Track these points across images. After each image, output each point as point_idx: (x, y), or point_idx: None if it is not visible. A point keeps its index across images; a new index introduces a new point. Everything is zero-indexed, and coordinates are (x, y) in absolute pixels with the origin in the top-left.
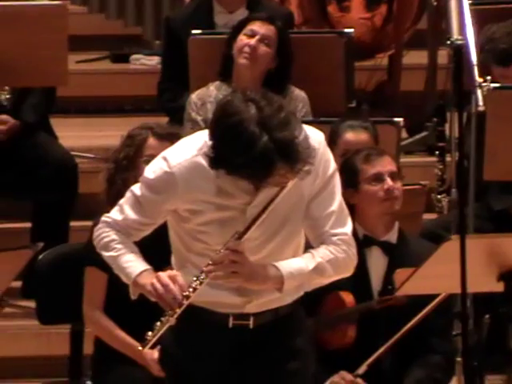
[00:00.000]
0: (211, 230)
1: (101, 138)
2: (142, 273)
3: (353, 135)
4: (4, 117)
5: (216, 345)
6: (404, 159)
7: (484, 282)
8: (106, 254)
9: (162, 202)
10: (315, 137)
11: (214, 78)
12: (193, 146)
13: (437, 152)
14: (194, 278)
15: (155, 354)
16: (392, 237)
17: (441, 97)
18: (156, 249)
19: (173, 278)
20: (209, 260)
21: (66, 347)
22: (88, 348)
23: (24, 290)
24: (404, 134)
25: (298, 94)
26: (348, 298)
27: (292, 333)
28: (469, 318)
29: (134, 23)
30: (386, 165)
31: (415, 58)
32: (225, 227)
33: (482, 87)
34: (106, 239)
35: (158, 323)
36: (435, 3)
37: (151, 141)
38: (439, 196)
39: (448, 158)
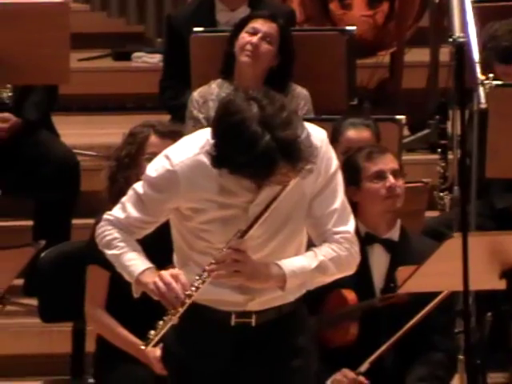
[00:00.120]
0: (213, 229)
1: (103, 135)
2: (144, 271)
3: (355, 133)
4: (6, 115)
5: (218, 343)
6: (406, 157)
7: (486, 279)
8: (108, 252)
9: (165, 200)
10: (317, 135)
11: (216, 75)
12: (195, 145)
13: (439, 150)
14: (197, 277)
15: (157, 351)
16: (394, 234)
17: (443, 94)
18: (158, 247)
19: (175, 277)
20: (211, 259)
21: (68, 345)
22: (90, 346)
23: (26, 287)
24: (406, 132)
25: (300, 91)
26: (350, 295)
27: (294, 331)
28: (471, 316)
29: (136, 21)
30: (387, 162)
31: (417, 55)
32: (227, 225)
33: (484, 85)
34: (108, 237)
35: (161, 322)
36: (437, 1)
37: (153, 139)
38: (441, 194)
39: (450, 156)
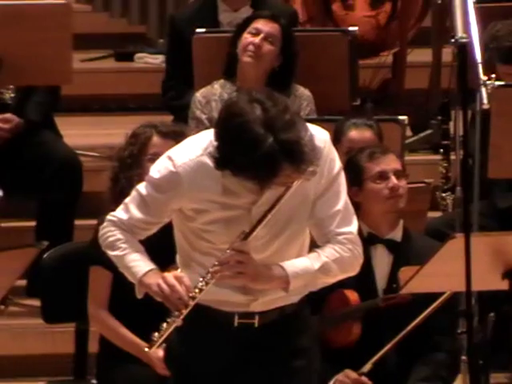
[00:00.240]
0: (216, 229)
1: (105, 136)
2: (147, 272)
3: (357, 133)
4: (8, 115)
5: (221, 343)
6: (408, 157)
7: (489, 280)
8: (111, 253)
9: (168, 201)
10: (320, 136)
11: (219, 76)
12: (198, 146)
13: (441, 150)
14: (200, 279)
15: (160, 352)
16: (396, 235)
17: (445, 95)
18: (161, 247)
19: (179, 279)
20: (213, 259)
21: (71, 346)
22: (93, 346)
23: (29, 288)
24: (408, 132)
25: (303, 92)
26: (353, 296)
27: (297, 331)
28: (473, 316)
29: (139, 22)
30: (390, 163)
31: (419, 55)
32: (230, 226)
33: (487, 85)
34: (111, 238)
35: (165, 324)
36: (439, 1)
37: (155, 139)
38: (444, 194)
39: (452, 156)
